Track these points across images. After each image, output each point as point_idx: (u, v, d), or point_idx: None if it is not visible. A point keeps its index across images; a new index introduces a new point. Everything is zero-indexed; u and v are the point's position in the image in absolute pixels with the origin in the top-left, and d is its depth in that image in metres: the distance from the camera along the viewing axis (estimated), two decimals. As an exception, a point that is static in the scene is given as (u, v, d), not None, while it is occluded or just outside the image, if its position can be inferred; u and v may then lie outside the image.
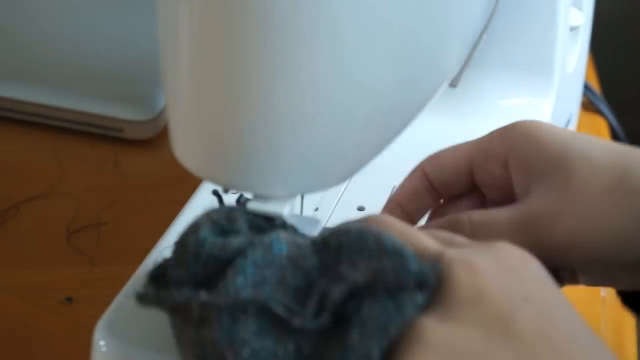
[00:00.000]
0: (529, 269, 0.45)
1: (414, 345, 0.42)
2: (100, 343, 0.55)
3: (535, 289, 0.44)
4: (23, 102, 0.88)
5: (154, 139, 0.88)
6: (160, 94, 0.88)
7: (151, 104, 0.87)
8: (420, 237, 0.47)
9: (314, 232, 0.54)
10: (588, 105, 0.97)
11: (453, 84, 0.61)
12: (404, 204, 0.59)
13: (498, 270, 0.44)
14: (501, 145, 0.56)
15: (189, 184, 0.66)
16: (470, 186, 0.58)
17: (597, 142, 0.54)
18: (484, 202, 0.58)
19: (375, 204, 0.66)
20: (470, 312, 0.43)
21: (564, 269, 0.56)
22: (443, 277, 0.44)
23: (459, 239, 0.48)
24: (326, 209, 0.65)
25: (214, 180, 0.53)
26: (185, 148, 0.52)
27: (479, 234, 0.53)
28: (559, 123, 0.79)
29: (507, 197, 0.56)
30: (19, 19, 0.97)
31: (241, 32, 0.47)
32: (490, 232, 0.53)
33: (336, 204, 0.66)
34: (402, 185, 0.59)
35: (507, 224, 0.53)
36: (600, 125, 0.97)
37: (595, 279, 0.57)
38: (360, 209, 0.66)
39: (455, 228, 0.54)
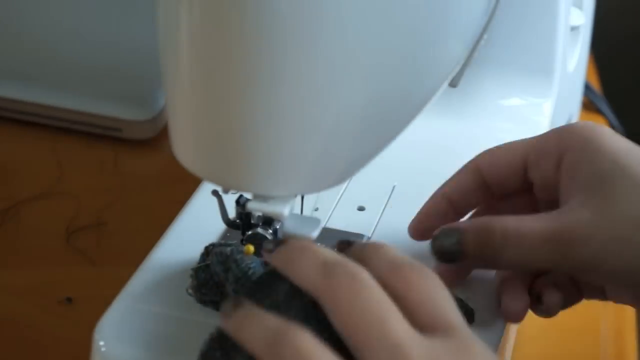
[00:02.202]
0: None
1: None
2: (100, 343, 0.55)
3: None
4: (23, 102, 0.88)
5: (154, 139, 0.88)
6: (160, 94, 0.88)
7: (151, 104, 0.87)
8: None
9: (314, 232, 0.54)
10: (588, 105, 0.97)
11: (453, 84, 0.60)
12: (453, 197, 0.59)
13: None
14: (557, 145, 0.55)
15: (189, 184, 0.66)
16: (523, 185, 0.57)
17: None
18: (534, 203, 0.58)
19: (375, 204, 0.66)
20: None
21: (590, 285, 0.56)
22: None
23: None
24: (326, 209, 0.65)
25: (213, 181, 0.53)
26: (185, 148, 0.52)
27: (510, 244, 0.53)
28: (560, 123, 0.79)
29: (555, 200, 0.55)
30: (18, 18, 0.97)
31: (241, 33, 0.47)
32: (521, 243, 0.53)
33: (336, 204, 0.66)
34: (452, 179, 0.59)
35: (539, 238, 0.53)
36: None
37: (624, 298, 0.56)
38: (361, 209, 0.66)
39: (486, 236, 0.54)
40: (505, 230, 0.53)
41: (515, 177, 0.57)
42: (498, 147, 0.58)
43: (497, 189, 0.58)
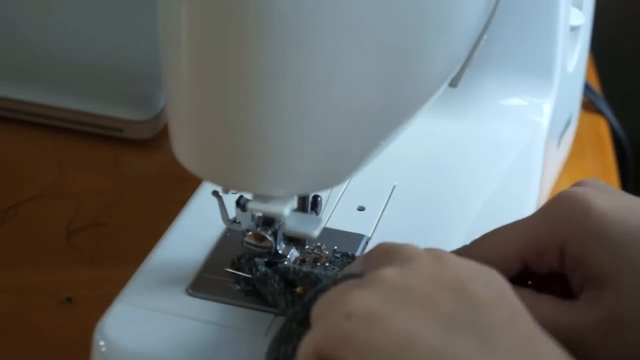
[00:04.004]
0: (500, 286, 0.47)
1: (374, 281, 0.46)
2: (100, 343, 0.55)
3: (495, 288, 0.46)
4: (23, 102, 0.88)
5: (154, 139, 0.88)
6: (160, 94, 0.88)
7: (151, 104, 0.87)
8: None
9: (315, 231, 0.54)
10: (588, 105, 0.97)
11: (453, 84, 0.60)
12: None
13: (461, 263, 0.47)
14: (552, 239, 0.52)
15: (189, 184, 0.66)
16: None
17: None
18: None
19: (375, 204, 0.66)
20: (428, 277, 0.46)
21: None
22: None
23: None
24: (326, 209, 0.65)
25: (213, 181, 0.53)
26: (185, 148, 0.53)
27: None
28: (560, 123, 0.79)
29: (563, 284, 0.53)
30: (18, 18, 0.97)
31: (241, 34, 0.47)
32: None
33: (336, 204, 0.66)
34: None
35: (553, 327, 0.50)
36: (600, 125, 0.97)
37: None
38: (360, 209, 0.66)
39: None
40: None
41: (513, 272, 0.54)
42: (481, 250, 0.54)
43: None
